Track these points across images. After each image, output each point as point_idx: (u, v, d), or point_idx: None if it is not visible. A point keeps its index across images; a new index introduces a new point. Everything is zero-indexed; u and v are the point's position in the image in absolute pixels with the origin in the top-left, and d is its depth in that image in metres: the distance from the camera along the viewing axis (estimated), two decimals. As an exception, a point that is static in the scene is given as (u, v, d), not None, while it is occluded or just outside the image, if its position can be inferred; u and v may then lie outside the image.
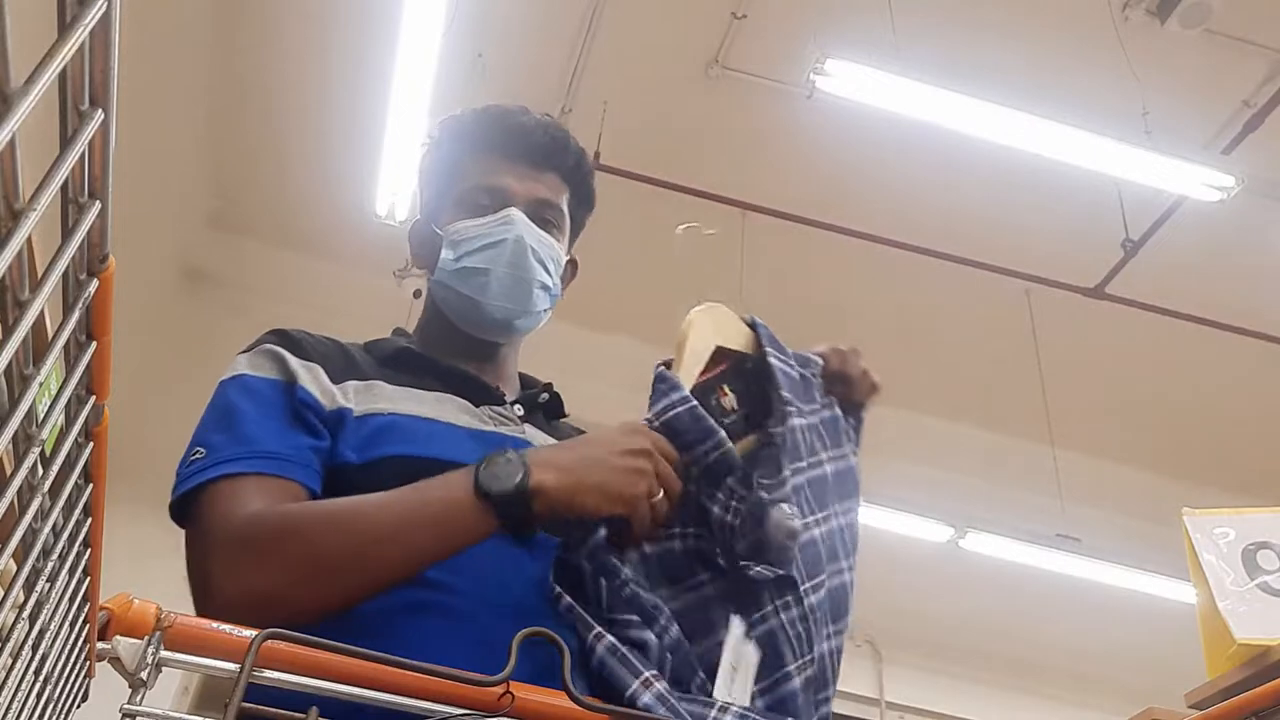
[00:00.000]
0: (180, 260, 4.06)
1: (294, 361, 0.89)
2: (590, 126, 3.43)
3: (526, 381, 1.08)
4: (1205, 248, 3.97)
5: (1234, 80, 3.59)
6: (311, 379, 0.88)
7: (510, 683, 0.55)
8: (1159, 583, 4.09)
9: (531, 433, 0.97)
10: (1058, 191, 3.75)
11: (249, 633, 0.54)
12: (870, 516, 4.13)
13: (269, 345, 0.91)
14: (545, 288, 1.01)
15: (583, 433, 1.05)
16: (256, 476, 0.78)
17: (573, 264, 1.10)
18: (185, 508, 0.80)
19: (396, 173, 3.25)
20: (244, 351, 0.92)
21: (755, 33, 3.54)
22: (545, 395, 1.03)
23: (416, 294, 3.82)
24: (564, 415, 1.07)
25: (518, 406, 0.99)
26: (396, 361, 0.97)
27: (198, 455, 0.80)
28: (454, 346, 1.01)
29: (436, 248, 1.01)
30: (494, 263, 0.97)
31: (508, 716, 0.57)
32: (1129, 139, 2.94)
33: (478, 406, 0.95)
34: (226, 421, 0.83)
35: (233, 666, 0.53)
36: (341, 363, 0.93)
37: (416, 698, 0.56)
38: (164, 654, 0.54)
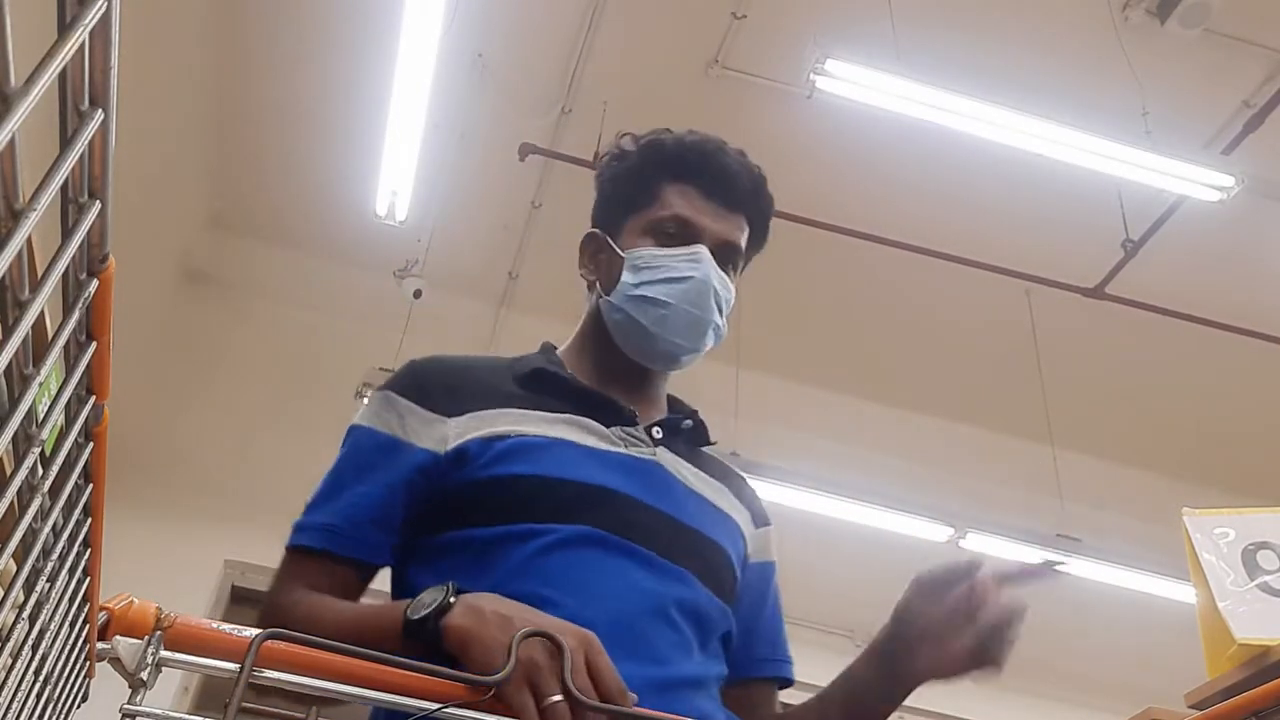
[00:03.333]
0: (182, 262, 4.05)
1: (409, 414, 0.91)
2: (590, 127, 3.43)
3: (676, 407, 1.06)
4: (1205, 248, 3.97)
5: (1234, 80, 3.59)
6: (425, 433, 0.90)
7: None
8: (1159, 583, 4.09)
9: (667, 457, 0.96)
10: (1058, 191, 3.75)
11: (249, 633, 0.54)
12: (869, 516, 4.12)
13: (390, 392, 0.93)
14: (717, 329, 1.00)
15: (728, 467, 1.07)
16: (318, 556, 0.85)
17: None
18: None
19: (396, 172, 3.25)
20: (380, 388, 0.95)
21: (755, 33, 3.53)
22: (689, 422, 1.02)
23: (417, 294, 3.81)
24: (710, 443, 1.06)
25: (657, 430, 0.98)
26: (531, 382, 0.97)
27: (305, 508, 0.89)
28: (608, 366, 1.01)
29: (616, 268, 0.99)
30: (677, 298, 0.96)
31: (504, 715, 0.57)
32: (1129, 139, 2.94)
33: (608, 427, 0.94)
34: (329, 478, 0.90)
35: (233, 666, 0.54)
36: (467, 391, 0.94)
37: (415, 697, 0.56)
38: (164, 654, 0.54)
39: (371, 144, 3.26)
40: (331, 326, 4.24)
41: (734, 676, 0.93)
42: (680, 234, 0.98)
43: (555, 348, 1.06)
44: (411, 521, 0.87)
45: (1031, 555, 4.21)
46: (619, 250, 1.00)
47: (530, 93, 3.59)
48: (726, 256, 1.00)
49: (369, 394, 0.96)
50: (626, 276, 0.98)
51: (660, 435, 0.97)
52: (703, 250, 0.97)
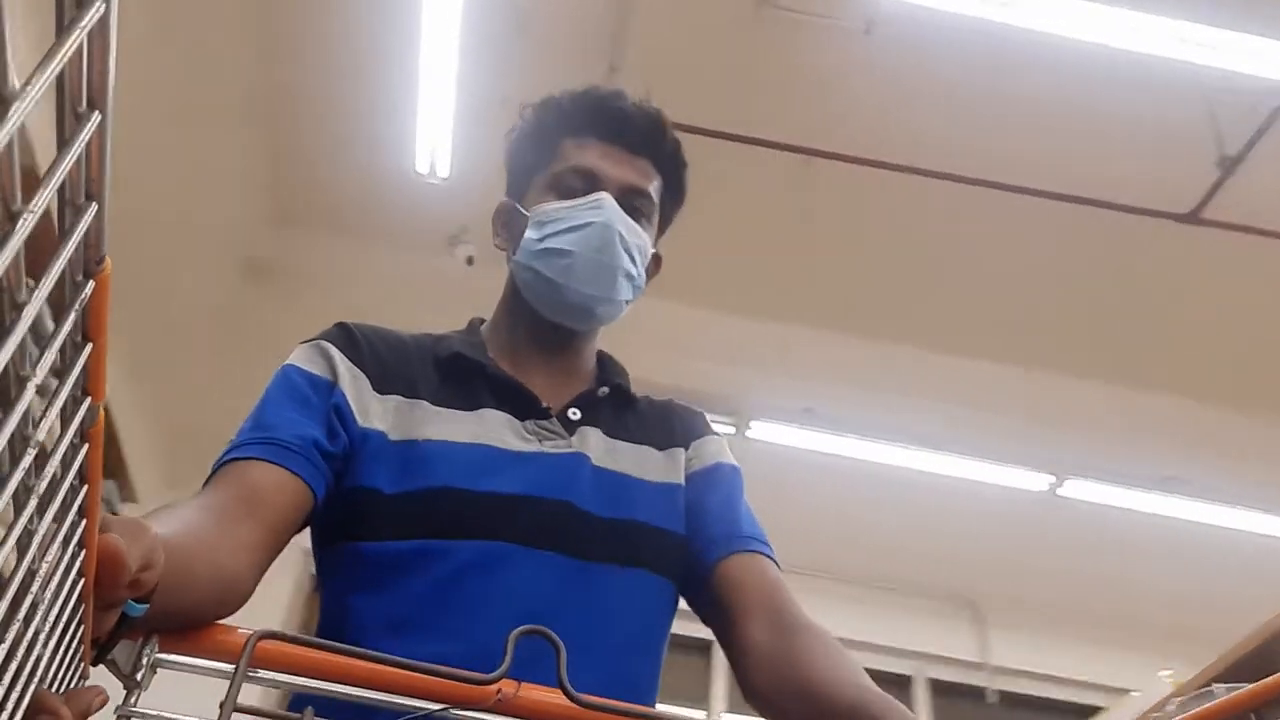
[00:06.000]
0: (242, 257, 4.12)
1: (342, 364, 0.90)
2: (639, 81, 3.36)
3: (608, 368, 1.06)
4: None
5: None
6: (353, 387, 0.89)
7: (505, 680, 0.54)
8: (1273, 522, 3.89)
9: (589, 439, 0.94)
10: (1141, 106, 3.53)
11: (244, 632, 0.53)
12: (964, 469, 4.02)
13: (325, 341, 0.92)
14: (629, 276, 0.98)
15: (660, 407, 1.05)
16: (257, 462, 0.79)
17: (657, 258, 1.08)
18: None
19: (435, 133, 3.24)
20: (305, 341, 0.93)
21: (808, -34, 3.40)
22: (605, 390, 1.01)
23: (469, 261, 3.82)
24: (633, 401, 1.04)
25: (574, 411, 0.96)
26: (449, 367, 0.96)
27: (231, 442, 0.83)
28: (528, 335, 1.00)
29: (521, 227, 0.99)
30: (579, 245, 0.95)
31: (503, 714, 0.56)
32: (1225, 23, 2.63)
33: (523, 421, 0.93)
34: (258, 408, 0.86)
35: (228, 667, 0.53)
36: (395, 369, 0.92)
37: (411, 696, 0.55)
38: (159, 655, 0.53)
39: (409, 111, 3.23)
40: (392, 308, 4.26)
41: (699, 575, 0.91)
42: (583, 185, 0.97)
43: (483, 322, 1.05)
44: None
45: (1136, 500, 4.05)
46: (524, 211, 0.99)
47: (574, 50, 3.54)
48: (634, 202, 0.99)
49: (298, 346, 0.94)
50: (530, 233, 0.97)
51: (579, 417, 0.95)
52: (604, 196, 0.96)
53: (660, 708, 0.84)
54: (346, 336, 0.93)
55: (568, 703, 0.55)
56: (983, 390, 4.27)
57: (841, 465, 4.23)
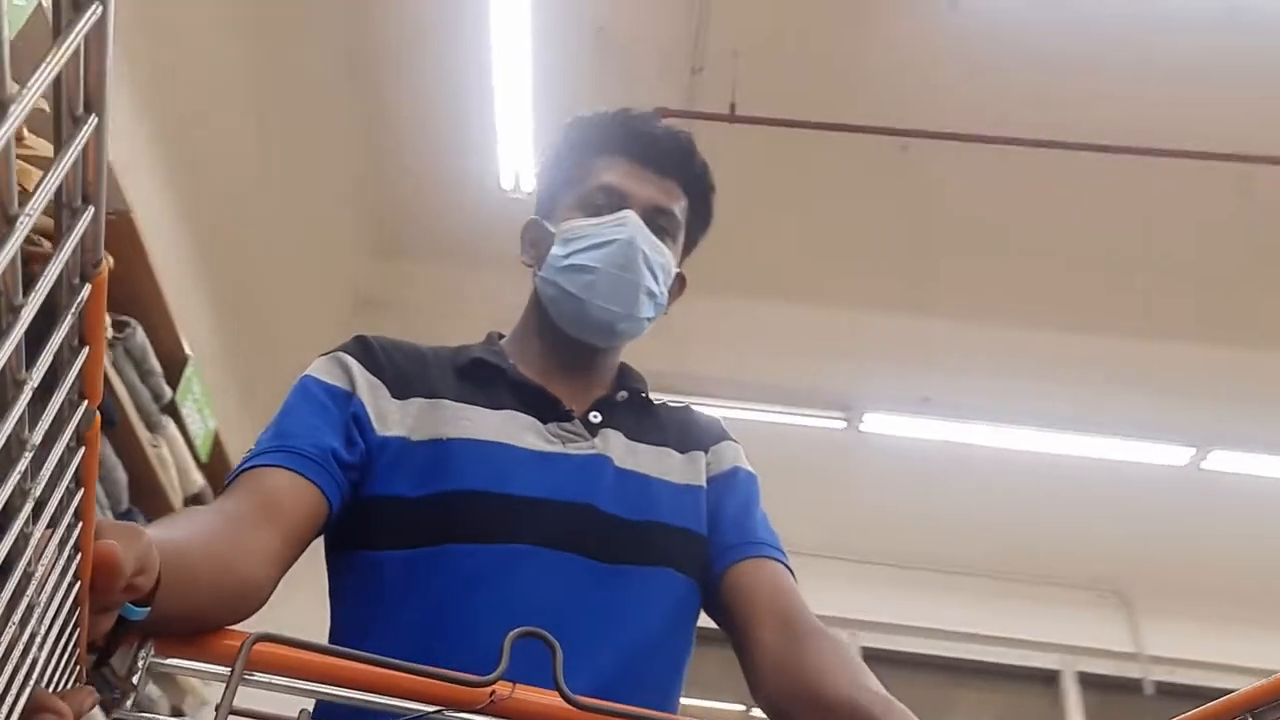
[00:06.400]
0: (351, 290, 4.28)
1: (360, 375, 0.91)
2: (724, 81, 3.33)
3: (627, 376, 1.06)
4: None
5: None
6: (371, 396, 0.90)
7: (500, 682, 0.54)
8: None
9: (611, 443, 0.95)
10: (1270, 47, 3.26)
11: (239, 636, 0.54)
12: (1097, 448, 3.80)
13: (342, 354, 0.93)
14: (651, 294, 0.99)
15: (678, 412, 1.05)
16: (276, 470, 0.80)
17: (681, 279, 1.08)
18: None
19: (515, 147, 3.25)
20: (322, 354, 0.94)
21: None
22: (624, 394, 1.01)
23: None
24: (651, 406, 1.04)
25: (595, 415, 0.97)
26: (471, 372, 0.97)
27: (248, 452, 0.84)
28: (550, 348, 1.01)
29: (547, 244, 1.00)
30: (603, 262, 0.96)
31: (499, 716, 0.56)
32: None
33: (545, 423, 0.93)
34: (278, 419, 0.87)
35: (224, 670, 0.53)
36: (415, 374, 0.94)
37: (407, 698, 0.54)
38: (154, 660, 0.54)
39: (489, 131, 3.23)
40: (499, 327, 4.33)
41: (711, 580, 0.91)
42: (609, 203, 0.98)
43: (501, 336, 1.06)
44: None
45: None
46: (551, 228, 1.00)
47: (656, 58, 3.53)
48: (659, 221, 0.99)
49: (315, 359, 0.94)
50: (556, 249, 0.98)
51: (600, 420, 0.96)
52: (629, 214, 0.96)
53: (685, 702, 0.87)
54: (364, 348, 0.94)
55: (562, 704, 0.54)
56: (1109, 366, 4.03)
57: (964, 454, 4.06)
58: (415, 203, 4.12)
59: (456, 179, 3.87)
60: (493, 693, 0.55)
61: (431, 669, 0.55)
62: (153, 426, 2.37)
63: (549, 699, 0.57)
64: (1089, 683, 4.39)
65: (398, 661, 0.55)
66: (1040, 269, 3.95)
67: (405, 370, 0.94)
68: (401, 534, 0.85)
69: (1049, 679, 4.44)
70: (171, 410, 2.44)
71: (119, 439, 2.21)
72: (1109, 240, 3.83)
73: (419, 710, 0.54)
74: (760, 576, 0.91)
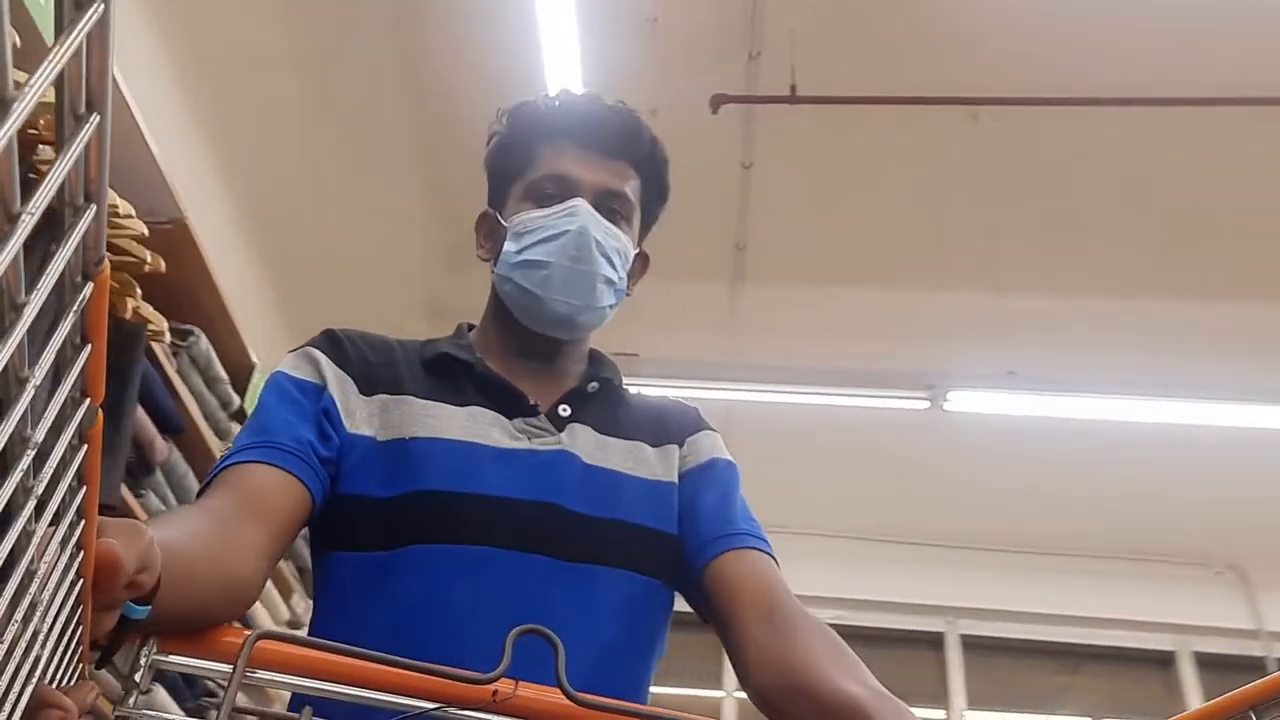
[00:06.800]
0: (426, 303, 4.35)
1: (329, 369, 0.91)
2: (782, 64, 3.26)
3: (599, 365, 1.05)
4: None
5: None
6: (340, 391, 0.90)
7: (503, 680, 0.54)
8: None
9: (582, 437, 0.94)
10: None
11: (241, 634, 0.53)
12: (1199, 414, 3.60)
13: (311, 349, 0.94)
14: (609, 282, 0.98)
15: (652, 404, 1.04)
16: (257, 465, 0.81)
17: (643, 257, 1.07)
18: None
19: None
20: (292, 350, 0.95)
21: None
22: (595, 385, 1.00)
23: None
24: (624, 397, 1.03)
25: (564, 408, 0.96)
26: (436, 367, 0.96)
27: (224, 451, 0.85)
28: (514, 341, 1.00)
29: (501, 238, 0.99)
30: (556, 255, 0.95)
31: (501, 714, 0.56)
32: None
33: (511, 419, 0.93)
34: (254, 417, 0.87)
35: (226, 668, 0.52)
36: (382, 369, 0.94)
37: (409, 696, 0.54)
38: (157, 657, 0.53)
39: None
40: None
41: (693, 576, 0.90)
42: (559, 191, 0.97)
43: (471, 327, 1.05)
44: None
45: None
46: (503, 222, 0.99)
47: (711, 46, 3.48)
48: (611, 205, 0.98)
49: (285, 355, 0.96)
50: (509, 245, 0.97)
51: (569, 413, 0.95)
52: (579, 203, 0.95)
53: (668, 691, 0.83)
54: (332, 343, 0.95)
55: (566, 701, 0.54)
56: (1213, 330, 3.82)
57: (1057, 428, 3.89)
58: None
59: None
60: (495, 690, 0.55)
61: (434, 666, 0.55)
62: (221, 434, 2.41)
63: (552, 696, 0.56)
64: (1207, 663, 4.19)
65: (400, 659, 0.55)
66: (1126, 233, 3.77)
67: (372, 364, 0.94)
68: (370, 535, 0.85)
69: (1164, 661, 4.25)
70: (240, 417, 2.48)
71: (188, 446, 2.26)
72: (1200, 200, 3.63)
73: (421, 708, 0.54)
74: (742, 568, 0.90)
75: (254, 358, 2.56)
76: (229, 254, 2.79)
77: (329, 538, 0.88)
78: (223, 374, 2.42)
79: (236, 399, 2.48)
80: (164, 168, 2.05)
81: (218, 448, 2.36)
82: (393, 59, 3.46)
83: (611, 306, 1.00)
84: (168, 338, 2.09)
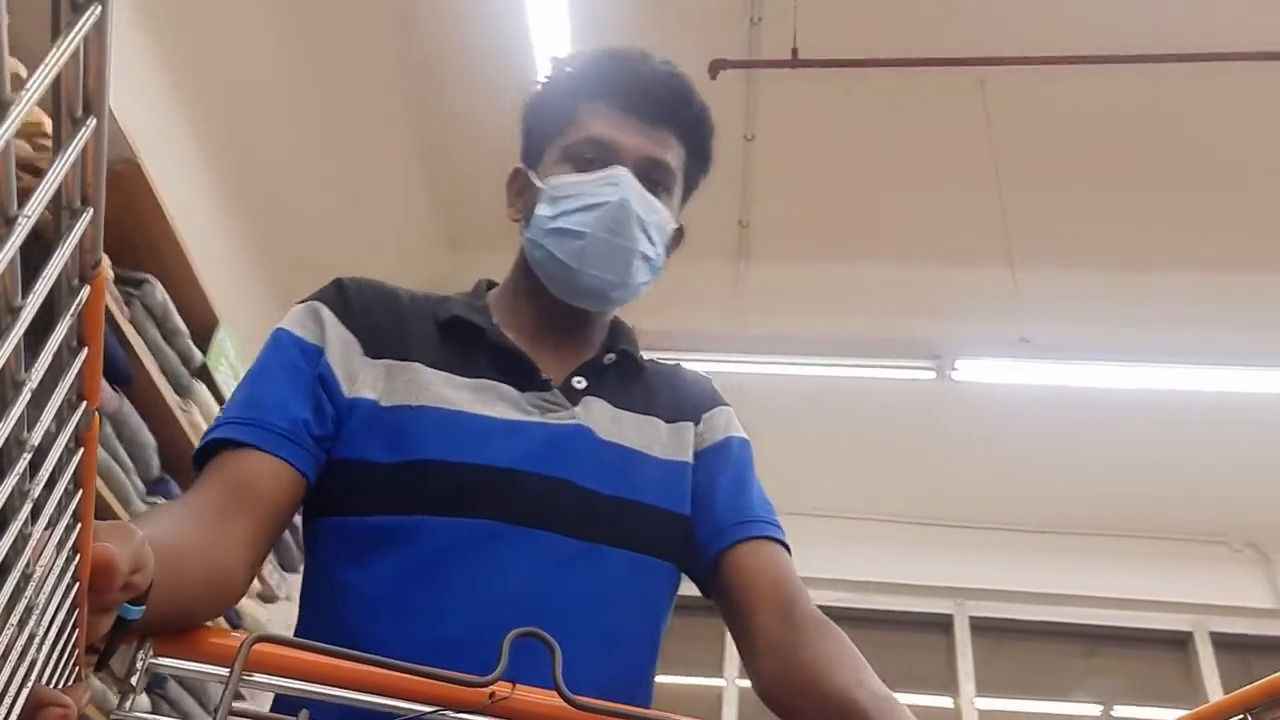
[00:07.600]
0: (428, 282, 4.22)
1: (333, 329, 0.88)
2: (784, 30, 3.13)
3: (619, 334, 1.02)
4: None
5: None
6: (342, 354, 0.86)
7: (500, 683, 0.54)
8: None
9: (597, 411, 0.92)
10: None
11: (238, 637, 0.53)
12: (1220, 380, 3.49)
13: (318, 304, 0.90)
14: (646, 259, 0.95)
15: (670, 375, 1.01)
16: (249, 452, 0.78)
17: (679, 231, 1.03)
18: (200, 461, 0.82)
19: None
20: (301, 301, 0.91)
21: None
22: (612, 356, 0.98)
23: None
24: (641, 368, 1.01)
25: (579, 379, 0.93)
26: (448, 331, 0.93)
27: (220, 411, 0.83)
28: (539, 308, 0.97)
29: (534, 200, 0.96)
30: (593, 227, 0.91)
31: (498, 717, 0.56)
32: None
33: (523, 393, 0.90)
34: (251, 378, 0.85)
35: (223, 671, 0.53)
36: (389, 331, 0.90)
37: (406, 699, 0.54)
38: (153, 660, 0.54)
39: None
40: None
41: (706, 562, 0.89)
42: (599, 156, 0.93)
43: (491, 285, 1.01)
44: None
45: None
46: (538, 183, 0.95)
47: (711, 11, 3.34)
48: (653, 176, 0.94)
49: (293, 306, 0.92)
50: (542, 209, 0.93)
51: (584, 385, 0.92)
52: (620, 171, 0.92)
53: (669, 680, 0.78)
54: (341, 297, 0.91)
55: (563, 704, 0.54)
56: (1228, 296, 3.72)
57: (1071, 399, 3.77)
58: (484, 190, 4.00)
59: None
60: (492, 693, 0.56)
61: (431, 669, 0.55)
62: (182, 391, 2.30)
63: (548, 699, 0.57)
64: (1225, 644, 4.10)
65: (396, 662, 0.55)
66: (1140, 199, 3.66)
67: (380, 324, 0.91)
68: (369, 500, 0.83)
69: (1180, 642, 4.17)
70: (204, 375, 2.38)
71: (143, 401, 2.13)
72: (1216, 164, 3.52)
73: (418, 711, 0.55)
74: (760, 560, 0.90)
75: (216, 312, 2.44)
76: (197, 210, 2.64)
77: (325, 503, 0.85)
78: (182, 326, 2.29)
79: (198, 354, 2.36)
80: (117, 113, 1.88)
81: (177, 404, 2.24)
82: (392, 51, 3.31)
83: (646, 283, 0.97)
84: (111, 275, 1.96)
